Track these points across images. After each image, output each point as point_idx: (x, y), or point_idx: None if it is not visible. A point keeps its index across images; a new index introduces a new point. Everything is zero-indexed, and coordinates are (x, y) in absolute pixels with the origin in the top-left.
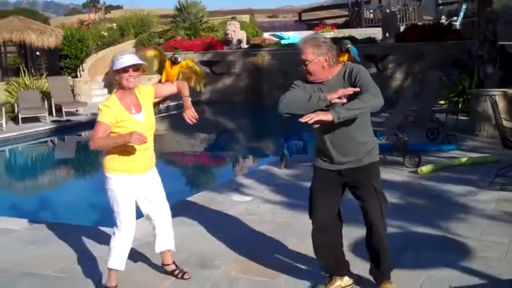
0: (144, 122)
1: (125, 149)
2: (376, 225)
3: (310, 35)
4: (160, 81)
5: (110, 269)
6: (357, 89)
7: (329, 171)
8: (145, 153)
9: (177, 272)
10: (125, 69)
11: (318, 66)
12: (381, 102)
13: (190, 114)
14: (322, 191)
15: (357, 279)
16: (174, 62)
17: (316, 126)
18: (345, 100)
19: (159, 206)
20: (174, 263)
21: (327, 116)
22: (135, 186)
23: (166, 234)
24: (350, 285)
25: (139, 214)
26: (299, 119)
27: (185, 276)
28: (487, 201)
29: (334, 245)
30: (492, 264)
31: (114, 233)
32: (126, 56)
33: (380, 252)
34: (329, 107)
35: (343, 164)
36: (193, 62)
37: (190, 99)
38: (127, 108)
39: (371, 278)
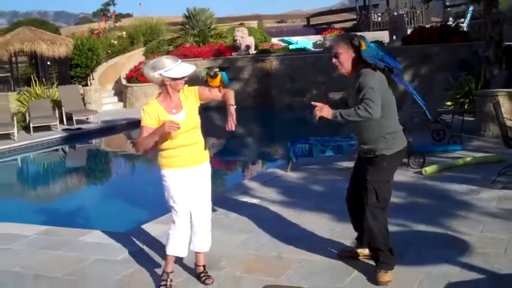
0: (184, 121)
1: (175, 146)
2: (366, 212)
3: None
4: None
5: (167, 255)
6: None
7: (359, 155)
8: (194, 147)
9: (202, 275)
10: (183, 77)
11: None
12: (373, 117)
13: (231, 122)
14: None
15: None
16: (213, 76)
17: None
18: None
19: (200, 203)
20: (203, 266)
21: (328, 114)
22: (189, 178)
23: (202, 235)
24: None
25: None
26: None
27: (207, 282)
28: (488, 199)
29: (355, 212)
30: (491, 260)
31: (172, 223)
32: (182, 64)
33: (370, 241)
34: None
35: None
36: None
37: (235, 107)
38: (167, 109)
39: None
